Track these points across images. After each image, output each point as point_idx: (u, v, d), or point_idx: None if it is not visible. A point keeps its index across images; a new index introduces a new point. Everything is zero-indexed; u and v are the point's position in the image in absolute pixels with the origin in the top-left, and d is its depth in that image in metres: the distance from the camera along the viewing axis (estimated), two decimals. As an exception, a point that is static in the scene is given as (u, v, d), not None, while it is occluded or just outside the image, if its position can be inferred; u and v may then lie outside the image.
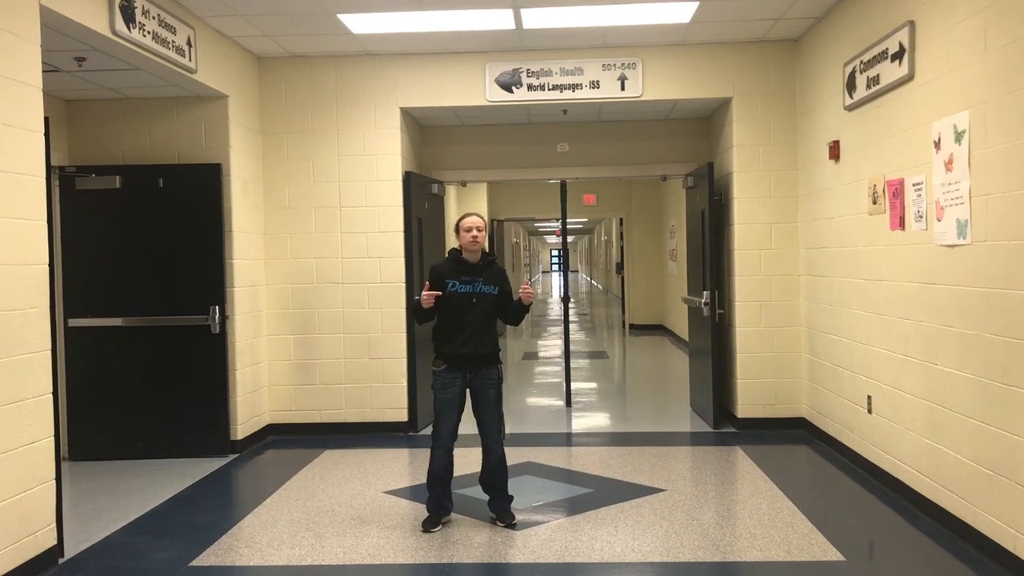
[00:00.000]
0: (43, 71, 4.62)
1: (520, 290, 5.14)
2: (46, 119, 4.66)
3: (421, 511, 5.45)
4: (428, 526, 5.12)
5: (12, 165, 4.33)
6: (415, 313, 5.19)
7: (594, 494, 5.84)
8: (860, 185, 6.13)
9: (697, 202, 8.27)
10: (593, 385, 10.77)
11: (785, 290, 7.67)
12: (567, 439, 7.77)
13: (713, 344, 7.75)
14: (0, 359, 4.22)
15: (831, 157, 6.67)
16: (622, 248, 19.46)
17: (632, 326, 18.06)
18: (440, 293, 5.03)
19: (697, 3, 6.49)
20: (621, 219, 19.34)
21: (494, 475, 5.20)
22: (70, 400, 6.98)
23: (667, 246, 16.59)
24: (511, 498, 5.29)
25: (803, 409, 7.65)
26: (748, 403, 7.72)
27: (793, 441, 7.31)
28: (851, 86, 6.22)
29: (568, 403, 9.19)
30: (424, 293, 5.03)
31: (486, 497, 5.32)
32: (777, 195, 7.65)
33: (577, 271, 63.55)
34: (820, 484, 6.09)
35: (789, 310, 7.67)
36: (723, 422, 7.91)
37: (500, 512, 5.22)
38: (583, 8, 6.52)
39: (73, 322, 6.96)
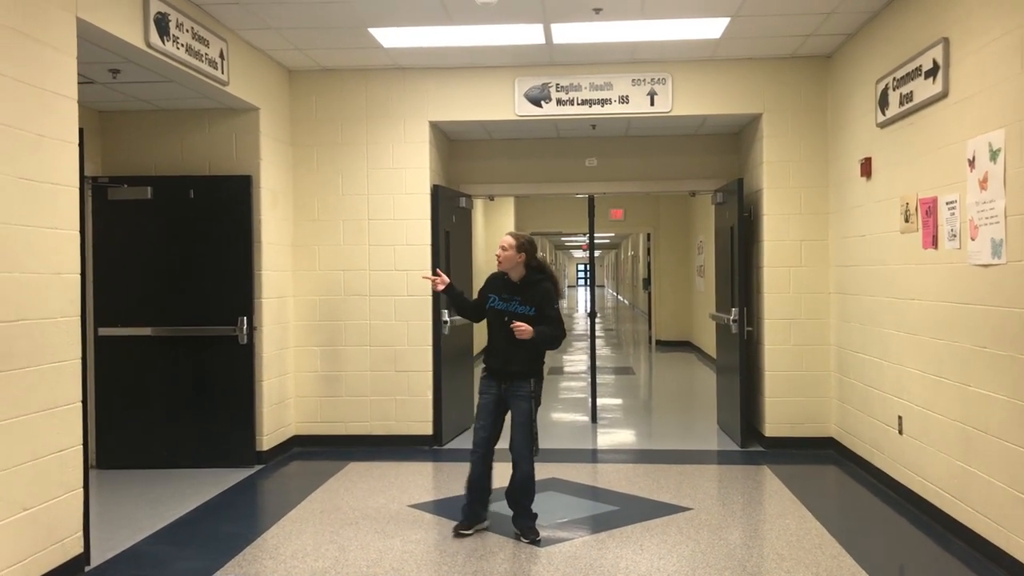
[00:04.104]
0: (78, 83, 4.68)
1: (515, 327, 5.04)
2: (80, 130, 4.71)
3: (445, 525, 5.45)
4: (458, 529, 5.25)
5: (46, 175, 4.38)
6: (455, 305, 5.53)
7: (619, 512, 5.79)
8: (892, 203, 6.06)
9: (726, 218, 8.22)
10: (619, 401, 10.70)
11: (815, 308, 7.59)
12: (592, 455, 7.72)
13: (741, 362, 7.68)
14: (31, 367, 4.26)
15: (863, 174, 6.60)
16: (649, 263, 19.39)
17: (659, 342, 17.97)
18: (446, 280, 5.41)
19: (728, 19, 6.47)
20: (648, 234, 19.28)
21: (518, 491, 5.20)
22: (99, 408, 7.04)
23: (695, 262, 16.50)
24: (535, 515, 5.27)
25: (832, 428, 7.55)
26: (776, 422, 7.63)
27: (821, 461, 7.21)
28: (884, 103, 6.16)
29: (594, 419, 9.14)
30: (429, 278, 5.53)
31: (511, 512, 5.30)
32: (807, 212, 7.59)
33: (603, 286, 63.39)
34: (849, 505, 6.01)
35: (818, 328, 7.59)
36: (751, 441, 7.83)
37: (524, 528, 5.20)
38: (613, 23, 6.52)
39: (103, 331, 7.02)
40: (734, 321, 7.79)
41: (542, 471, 6.66)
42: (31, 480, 4.26)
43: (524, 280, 5.23)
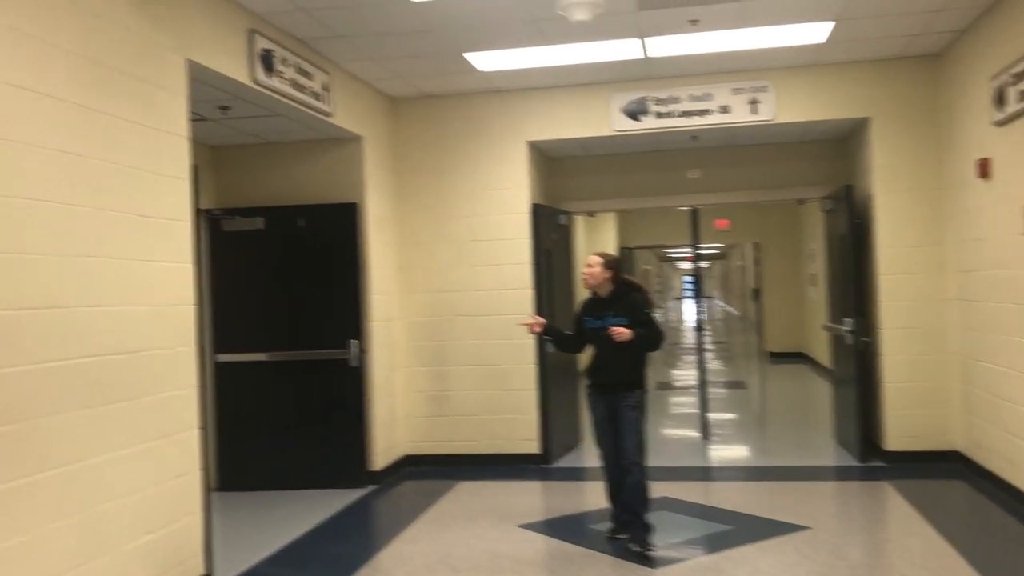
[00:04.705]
0: (191, 120, 4.88)
1: (612, 331, 5.16)
2: (194, 167, 4.91)
3: (555, 546, 5.44)
4: (612, 532, 5.51)
5: (161, 211, 4.58)
6: (557, 345, 5.86)
7: (733, 531, 5.65)
8: (1013, 204, 5.76)
9: (836, 226, 7.96)
10: (731, 416, 10.47)
11: (934, 316, 7.26)
12: (704, 473, 7.57)
13: (857, 373, 7.41)
14: (150, 396, 4.44)
15: (980, 175, 6.30)
16: (758, 273, 18.95)
17: (770, 354, 17.52)
18: (542, 321, 5.57)
19: (833, 23, 6.28)
20: (757, 244, 18.86)
21: (631, 497, 5.27)
22: (219, 432, 7.30)
23: (806, 271, 16.05)
24: (649, 527, 5.25)
25: (958, 442, 7.19)
26: (897, 435, 7.32)
27: (947, 476, 6.87)
28: (1000, 100, 5.86)
29: (705, 435, 8.96)
30: (526, 323, 5.65)
31: (624, 535, 5.31)
32: (922, 216, 7.28)
33: (712, 297, 62.33)
34: (979, 523, 5.70)
35: (939, 337, 7.25)
36: (870, 455, 7.52)
37: (640, 539, 5.23)
38: (711, 34, 6.42)
39: (222, 357, 7.29)
40: (849, 332, 7.52)
41: (652, 489, 6.55)
42: (153, 504, 4.44)
43: (613, 294, 5.39)
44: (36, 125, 3.68)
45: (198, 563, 4.81)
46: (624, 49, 6.74)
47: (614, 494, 5.44)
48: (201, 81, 5.27)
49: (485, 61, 6.93)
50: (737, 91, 7.47)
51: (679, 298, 59.28)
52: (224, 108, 6.18)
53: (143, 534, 4.35)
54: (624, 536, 5.38)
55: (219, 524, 6.25)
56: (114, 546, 4.12)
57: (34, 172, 3.66)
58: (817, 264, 13.63)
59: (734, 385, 13.67)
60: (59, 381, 3.77)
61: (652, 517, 5.32)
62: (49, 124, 3.76)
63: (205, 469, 4.92)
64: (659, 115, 7.61)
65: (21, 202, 3.58)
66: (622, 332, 5.09)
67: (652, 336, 5.25)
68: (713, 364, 17.00)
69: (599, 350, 5.42)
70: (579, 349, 5.72)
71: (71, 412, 3.85)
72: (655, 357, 18.56)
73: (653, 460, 7.81)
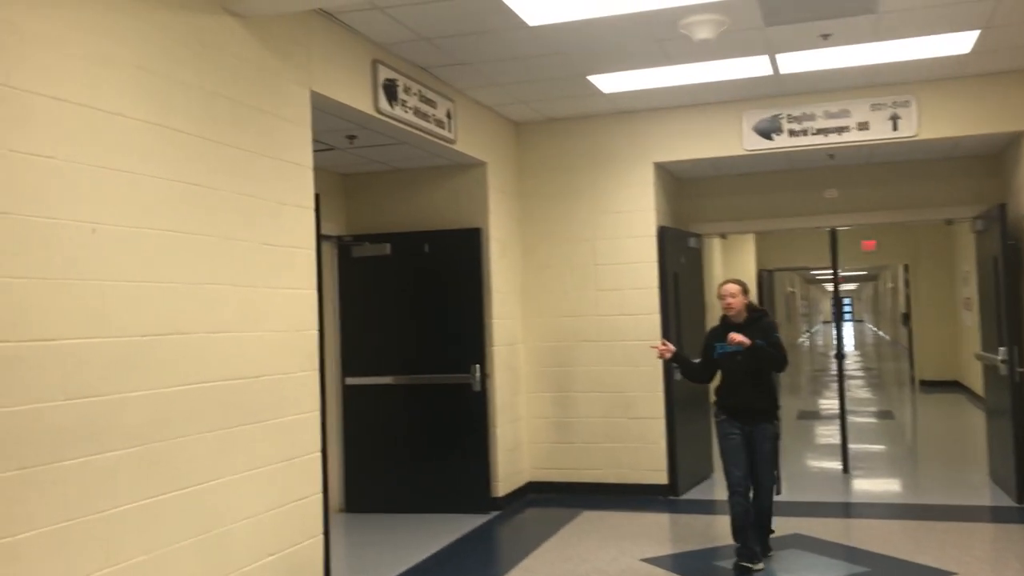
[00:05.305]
0: (320, 149, 5.01)
1: (730, 336, 5.36)
2: (316, 195, 5.03)
3: (678, 583, 5.25)
4: (742, 570, 5.33)
5: (285, 240, 4.70)
6: (684, 374, 5.93)
7: (871, 574, 5.29)
8: None
9: (988, 247, 7.42)
10: (876, 448, 9.92)
11: (1102, 345, 6.64)
12: (843, 509, 7.17)
13: (1014, 406, 6.85)
14: (273, 419, 4.54)
15: None
16: (908, 296, 17.99)
17: (922, 382, 16.55)
18: (672, 348, 5.66)
19: (977, 32, 5.88)
20: (906, 265, 17.92)
21: (760, 517, 5.54)
22: (346, 454, 7.43)
23: (960, 294, 15.10)
24: (772, 531, 5.67)
25: None
26: (1060, 475, 6.72)
27: (1119, 522, 6.26)
28: None
29: (845, 468, 8.49)
30: (656, 347, 5.77)
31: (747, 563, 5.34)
32: (1087, 236, 6.70)
33: (862, 321, 59.76)
34: None
35: (1108, 368, 6.63)
36: (1029, 495, 6.93)
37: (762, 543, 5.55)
38: (845, 48, 6.12)
39: (350, 380, 7.44)
40: (1003, 361, 6.97)
41: (785, 525, 6.27)
42: (276, 527, 4.52)
43: (747, 320, 5.56)
44: (160, 158, 3.83)
45: (318, 585, 4.87)
46: (753, 66, 6.52)
47: (741, 527, 5.38)
48: (326, 112, 5.40)
49: (609, 83, 6.84)
50: (876, 107, 7.10)
51: (827, 322, 57.04)
52: (351, 137, 6.32)
53: (265, 555, 4.43)
54: (760, 566, 5.39)
55: (344, 545, 6.35)
56: (237, 566, 4.21)
57: (158, 203, 3.81)
58: (971, 287, 12.80)
59: (881, 415, 12.97)
60: (183, 405, 3.89)
61: (783, 555, 5.33)
62: (173, 157, 3.91)
63: (325, 492, 4.99)
64: (792, 133, 7.32)
65: (147, 232, 3.72)
66: (742, 339, 5.27)
67: (778, 357, 5.46)
68: (860, 392, 16.22)
69: (731, 376, 5.55)
70: (708, 379, 5.82)
71: (195, 435, 3.96)
72: (801, 385, 17.94)
73: (788, 495, 7.53)
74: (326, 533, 4.98)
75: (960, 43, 6.11)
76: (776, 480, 5.59)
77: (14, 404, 3.08)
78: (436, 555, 6.07)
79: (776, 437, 5.52)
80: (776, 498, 5.67)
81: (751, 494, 5.46)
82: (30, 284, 3.17)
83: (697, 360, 5.82)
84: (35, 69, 3.23)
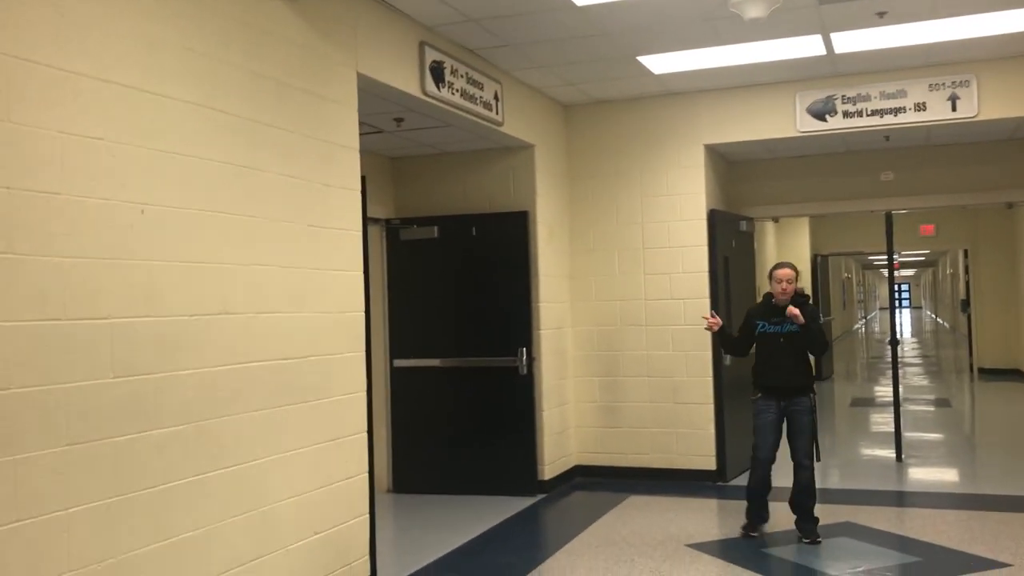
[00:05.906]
0: (368, 132, 5.02)
1: (789, 310, 5.61)
2: (363, 177, 5.04)
3: (725, 569, 5.21)
4: (747, 530, 5.83)
5: (331, 222, 4.73)
6: (723, 345, 6.26)
7: (922, 564, 5.20)
8: None
9: (1051, 231, 7.21)
10: (931, 436, 9.72)
11: None
12: (896, 498, 7.04)
13: (1075, 395, 6.66)
14: (321, 399, 4.59)
15: None
16: (967, 282, 17.56)
17: (981, 370, 16.16)
18: (718, 321, 5.98)
19: (1042, 6, 5.69)
20: (966, 250, 17.48)
21: (802, 495, 5.68)
22: (394, 435, 7.49)
23: (1022, 280, 14.69)
24: (817, 520, 5.70)
25: None
26: (1124, 466, 6.51)
27: None
28: None
29: (899, 457, 8.33)
30: (706, 317, 6.08)
31: (793, 560, 5.12)
32: None
33: (920, 307, 58.53)
34: None
35: None
36: (1091, 487, 6.74)
37: (806, 531, 5.64)
38: (900, 27, 5.96)
39: (398, 362, 7.48)
40: (1065, 349, 6.78)
41: (835, 514, 6.18)
42: (322, 505, 4.57)
43: (792, 303, 5.72)
44: (208, 139, 3.87)
45: (364, 564, 4.92)
46: (806, 46, 6.38)
47: (758, 493, 5.79)
48: (372, 93, 5.41)
49: (659, 64, 6.75)
50: (935, 87, 6.91)
51: (884, 308, 56.03)
52: (399, 120, 6.33)
53: (311, 533, 4.48)
54: (755, 535, 5.79)
55: (390, 525, 6.41)
56: (283, 544, 4.27)
57: (206, 184, 3.85)
58: (1035, 273, 12.43)
59: (939, 403, 12.70)
60: (231, 384, 3.95)
61: (832, 543, 5.33)
62: (220, 138, 3.95)
63: (371, 472, 5.03)
64: (847, 114, 7.16)
65: (195, 213, 3.77)
66: (797, 313, 5.55)
67: (821, 339, 5.78)
68: (917, 380, 15.90)
69: (771, 354, 5.78)
70: (745, 352, 6.09)
71: (242, 414, 4.02)
72: (856, 372, 17.65)
73: (839, 483, 7.42)
74: (372, 512, 5.02)
75: (1022, 20, 5.90)
76: (816, 449, 5.74)
77: (64, 381, 3.15)
78: (481, 536, 6.10)
79: (812, 410, 5.72)
80: (827, 486, 5.86)
81: (771, 471, 5.79)
82: (80, 264, 3.23)
83: (736, 336, 6.13)
84: (84, 51, 3.28)
